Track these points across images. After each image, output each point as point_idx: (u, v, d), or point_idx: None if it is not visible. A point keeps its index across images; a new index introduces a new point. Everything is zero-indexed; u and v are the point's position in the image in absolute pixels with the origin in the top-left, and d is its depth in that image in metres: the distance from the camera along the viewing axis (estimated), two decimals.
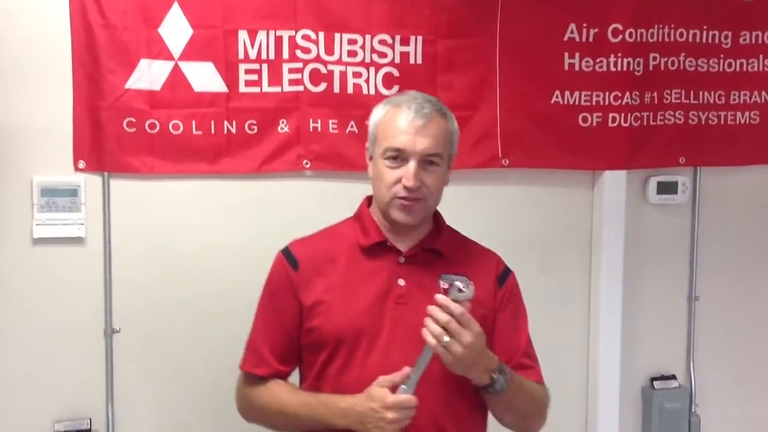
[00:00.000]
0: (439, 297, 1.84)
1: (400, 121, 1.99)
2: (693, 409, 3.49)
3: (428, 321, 1.84)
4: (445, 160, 2.04)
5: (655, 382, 3.45)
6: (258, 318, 2.14)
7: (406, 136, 1.97)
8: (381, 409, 1.85)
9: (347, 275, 2.04)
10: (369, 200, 2.16)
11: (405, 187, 1.97)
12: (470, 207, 3.14)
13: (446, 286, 1.91)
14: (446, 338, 1.82)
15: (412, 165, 1.97)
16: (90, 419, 2.79)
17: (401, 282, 2.02)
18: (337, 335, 1.99)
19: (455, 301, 1.84)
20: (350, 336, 1.98)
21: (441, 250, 2.09)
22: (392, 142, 1.99)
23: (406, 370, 1.86)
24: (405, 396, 1.85)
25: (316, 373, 2.04)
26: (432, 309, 1.84)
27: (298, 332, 2.06)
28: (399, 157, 1.98)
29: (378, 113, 2.08)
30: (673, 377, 3.48)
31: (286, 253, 2.11)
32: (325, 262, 2.06)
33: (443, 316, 1.83)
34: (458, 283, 1.85)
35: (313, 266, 2.06)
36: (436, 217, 2.15)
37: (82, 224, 2.75)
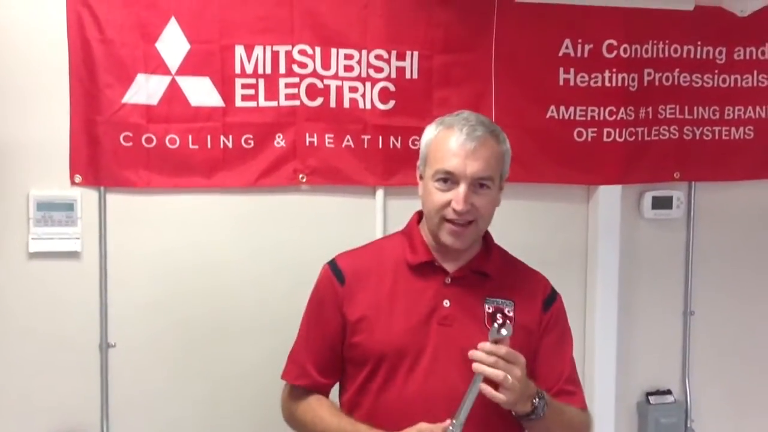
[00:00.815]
0: (483, 345, 1.85)
1: (451, 144, 1.97)
2: (688, 424, 3.48)
3: (483, 369, 1.83)
4: (496, 182, 2.02)
5: (650, 397, 3.44)
6: (302, 329, 2.15)
7: (456, 159, 1.95)
8: None
9: (393, 292, 2.03)
10: (419, 216, 2.14)
11: (454, 211, 1.95)
12: None
13: (491, 310, 1.98)
14: (510, 378, 1.82)
15: (462, 188, 1.95)
16: None
17: (446, 303, 2.01)
18: (380, 352, 1.99)
19: (496, 341, 1.86)
20: (392, 354, 1.98)
21: (489, 273, 2.07)
22: (443, 165, 1.97)
23: (447, 423, 1.84)
24: None
25: (357, 387, 2.04)
26: (477, 356, 1.84)
27: (341, 346, 2.07)
28: (449, 180, 1.96)
29: (429, 133, 2.06)
30: (669, 392, 3.48)
31: (333, 266, 2.11)
32: (371, 277, 2.06)
33: (490, 359, 1.83)
34: (497, 324, 1.88)
35: (359, 281, 2.06)
36: (486, 237, 2.14)
37: (78, 238, 2.75)
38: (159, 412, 2.86)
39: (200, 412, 2.91)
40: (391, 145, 2.99)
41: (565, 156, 3.20)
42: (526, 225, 3.24)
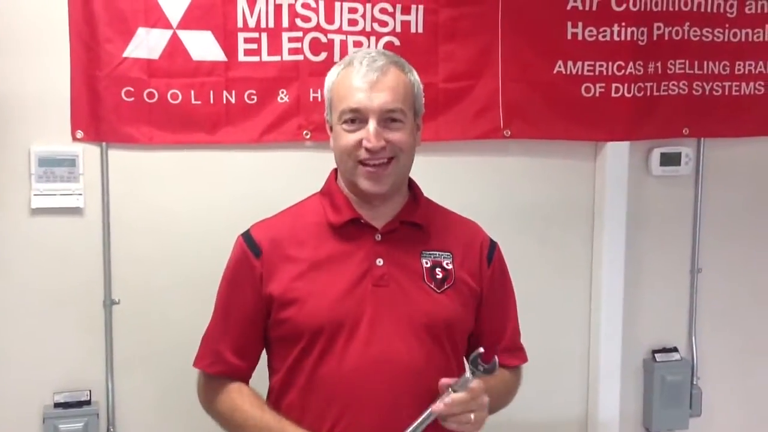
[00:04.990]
0: (453, 395, 1.74)
1: (353, 79, 1.83)
2: (694, 382, 3.48)
3: (457, 425, 1.75)
4: (410, 116, 1.87)
5: (656, 355, 3.44)
6: (217, 311, 2.01)
7: (360, 93, 1.81)
8: None
9: (319, 258, 1.88)
10: (337, 172, 2.00)
11: (367, 150, 1.80)
12: (471, 178, 3.13)
13: (429, 264, 1.88)
14: (471, 416, 1.75)
15: (371, 124, 1.80)
16: (90, 390, 2.79)
17: (379, 262, 1.87)
18: (314, 327, 1.83)
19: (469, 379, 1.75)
20: (328, 326, 1.83)
21: (421, 223, 1.93)
22: (347, 103, 1.82)
23: None
24: None
25: (289, 366, 1.89)
26: (446, 406, 1.73)
27: (262, 325, 1.93)
28: (357, 119, 1.82)
29: (331, 77, 1.91)
30: (675, 350, 3.47)
31: (247, 238, 1.95)
32: (292, 246, 1.90)
33: (458, 408, 1.74)
34: (468, 374, 1.76)
35: (279, 251, 1.90)
36: (412, 186, 1.99)
37: (81, 194, 2.73)
38: (163, 368, 2.86)
39: None
40: None
41: (572, 112, 3.15)
42: (532, 182, 3.22)
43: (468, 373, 1.75)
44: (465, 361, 2.05)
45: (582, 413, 3.40)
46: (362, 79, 1.82)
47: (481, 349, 1.76)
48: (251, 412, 1.88)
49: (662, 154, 3.33)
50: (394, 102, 1.82)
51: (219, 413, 1.96)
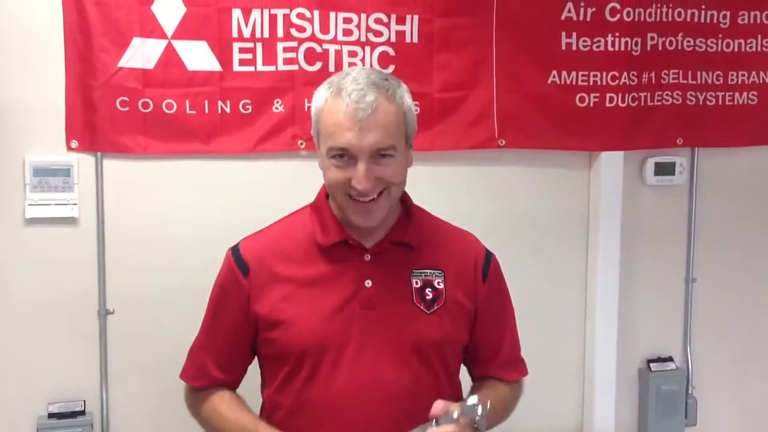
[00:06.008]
0: (437, 428, 1.66)
1: (340, 116, 1.71)
2: (690, 392, 3.48)
3: None
4: (401, 146, 1.78)
5: (651, 364, 3.44)
6: (204, 325, 1.98)
7: (348, 133, 1.70)
8: None
9: (307, 278, 1.83)
10: None
11: (357, 191, 1.73)
12: (466, 188, 3.13)
13: (419, 284, 1.84)
14: None
15: (360, 166, 1.71)
16: (84, 401, 2.78)
17: (368, 283, 1.82)
18: (299, 349, 1.81)
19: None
20: (314, 349, 1.80)
21: (411, 243, 1.87)
22: (335, 141, 1.72)
23: None
24: None
25: (277, 385, 1.87)
26: None
27: (248, 342, 1.91)
28: (345, 155, 1.73)
29: (319, 99, 1.79)
30: (670, 359, 3.47)
31: (236, 254, 1.90)
32: (280, 264, 1.85)
33: None
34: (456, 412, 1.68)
35: (266, 270, 1.85)
36: (405, 201, 1.92)
37: (75, 204, 2.73)
38: (158, 378, 2.84)
39: None
40: None
41: (566, 122, 3.16)
42: (527, 192, 3.23)
43: (455, 414, 1.68)
44: (464, 369, 2.03)
45: (577, 423, 3.39)
46: (351, 118, 1.70)
47: (476, 399, 1.70)
48: (228, 415, 1.89)
49: (656, 164, 3.34)
50: (385, 140, 1.73)
51: (202, 420, 1.97)
